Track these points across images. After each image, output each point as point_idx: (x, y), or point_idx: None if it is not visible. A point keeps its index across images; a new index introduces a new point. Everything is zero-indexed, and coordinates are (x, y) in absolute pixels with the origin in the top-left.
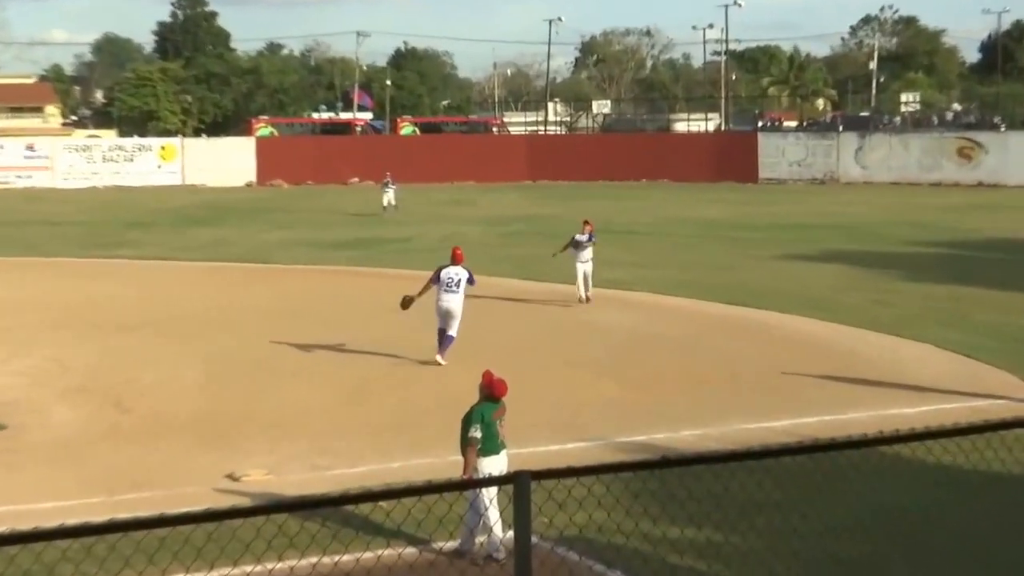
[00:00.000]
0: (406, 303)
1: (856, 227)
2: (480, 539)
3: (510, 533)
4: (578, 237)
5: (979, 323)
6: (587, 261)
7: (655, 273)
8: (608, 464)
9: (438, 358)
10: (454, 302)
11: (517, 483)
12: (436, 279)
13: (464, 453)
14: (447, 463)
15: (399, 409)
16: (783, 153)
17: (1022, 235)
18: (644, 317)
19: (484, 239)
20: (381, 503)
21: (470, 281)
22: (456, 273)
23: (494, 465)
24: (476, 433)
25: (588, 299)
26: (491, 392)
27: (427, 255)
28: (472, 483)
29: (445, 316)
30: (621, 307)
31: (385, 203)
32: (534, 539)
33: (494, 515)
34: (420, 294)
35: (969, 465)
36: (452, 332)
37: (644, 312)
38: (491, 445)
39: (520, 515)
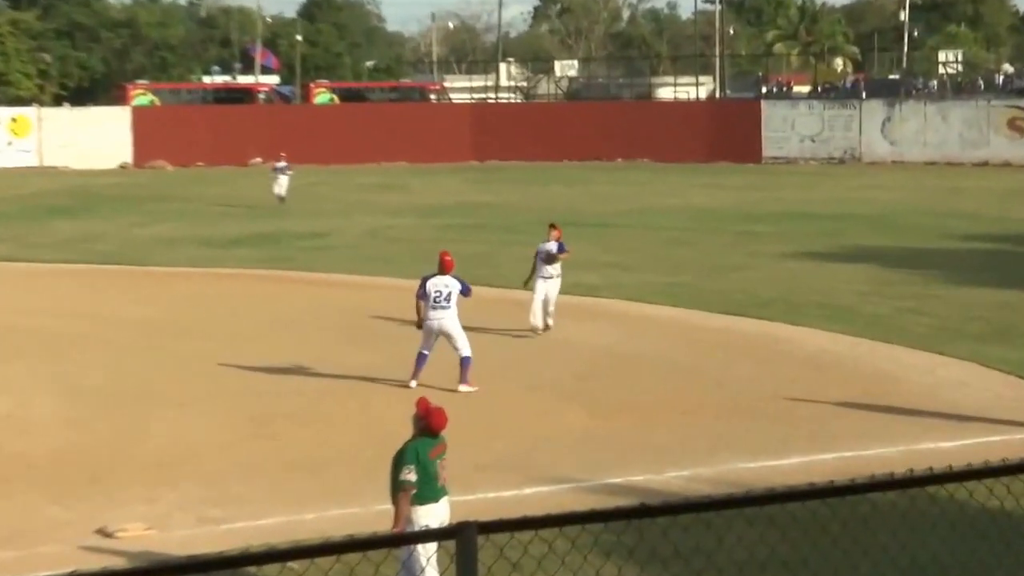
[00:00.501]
0: (421, 326)
1: (883, 217)
2: None
3: None
4: (544, 247)
5: None
6: (552, 277)
7: (635, 277)
8: (574, 514)
9: (412, 383)
10: (447, 320)
11: (461, 538)
12: (423, 293)
13: (395, 501)
14: (373, 513)
15: (314, 447)
16: (793, 126)
17: None
18: (621, 331)
19: (418, 233)
20: (291, 564)
21: (464, 292)
22: (445, 285)
23: (432, 516)
24: (410, 476)
25: (548, 327)
26: (427, 424)
27: (348, 254)
28: (405, 538)
29: (436, 336)
30: (592, 319)
31: (277, 192)
32: None
33: None
34: (419, 314)
35: (1020, 512)
36: (465, 352)
37: (621, 325)
38: (428, 491)
39: None
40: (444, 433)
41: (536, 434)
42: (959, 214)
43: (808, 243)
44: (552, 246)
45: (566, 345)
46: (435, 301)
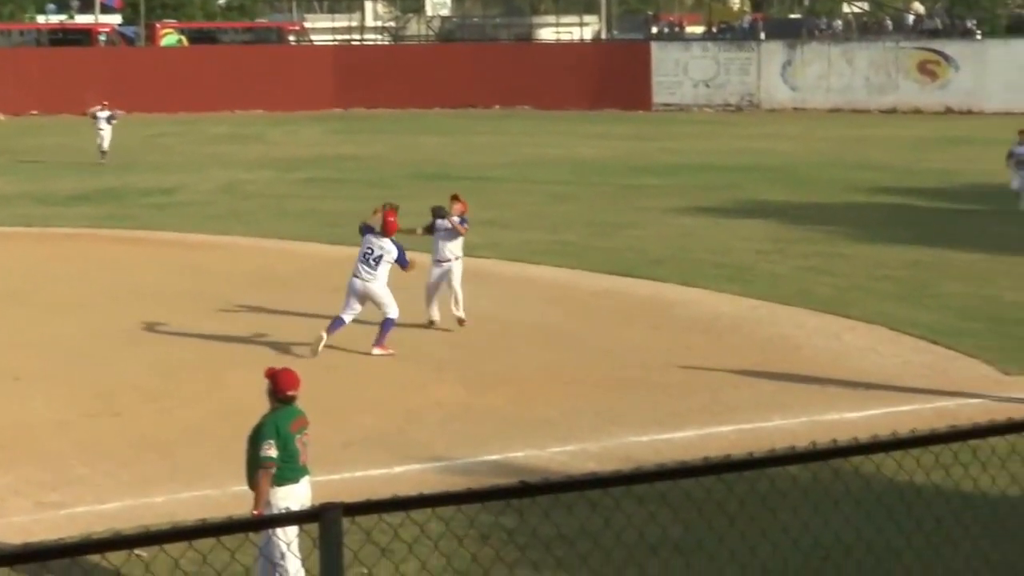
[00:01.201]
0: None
1: (784, 169)
2: None
3: None
4: (442, 222)
5: (945, 297)
6: (452, 260)
7: (515, 235)
8: (448, 494)
9: (323, 336)
10: (372, 285)
11: (324, 521)
12: (362, 230)
13: (254, 481)
14: (229, 495)
15: (163, 424)
16: (685, 70)
17: (999, 178)
18: (500, 294)
19: (276, 188)
20: (137, 551)
21: (400, 262)
22: (381, 247)
23: (293, 497)
24: (270, 452)
25: (462, 321)
26: (277, 388)
27: (198, 211)
28: (263, 522)
29: (358, 299)
30: (468, 281)
31: (99, 144)
32: None
33: (294, 565)
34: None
35: (931, 487)
36: (391, 314)
37: (500, 288)
38: (288, 470)
39: (329, 564)
40: (304, 407)
41: (407, 408)
42: (866, 165)
43: (703, 197)
44: (448, 223)
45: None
46: (363, 260)
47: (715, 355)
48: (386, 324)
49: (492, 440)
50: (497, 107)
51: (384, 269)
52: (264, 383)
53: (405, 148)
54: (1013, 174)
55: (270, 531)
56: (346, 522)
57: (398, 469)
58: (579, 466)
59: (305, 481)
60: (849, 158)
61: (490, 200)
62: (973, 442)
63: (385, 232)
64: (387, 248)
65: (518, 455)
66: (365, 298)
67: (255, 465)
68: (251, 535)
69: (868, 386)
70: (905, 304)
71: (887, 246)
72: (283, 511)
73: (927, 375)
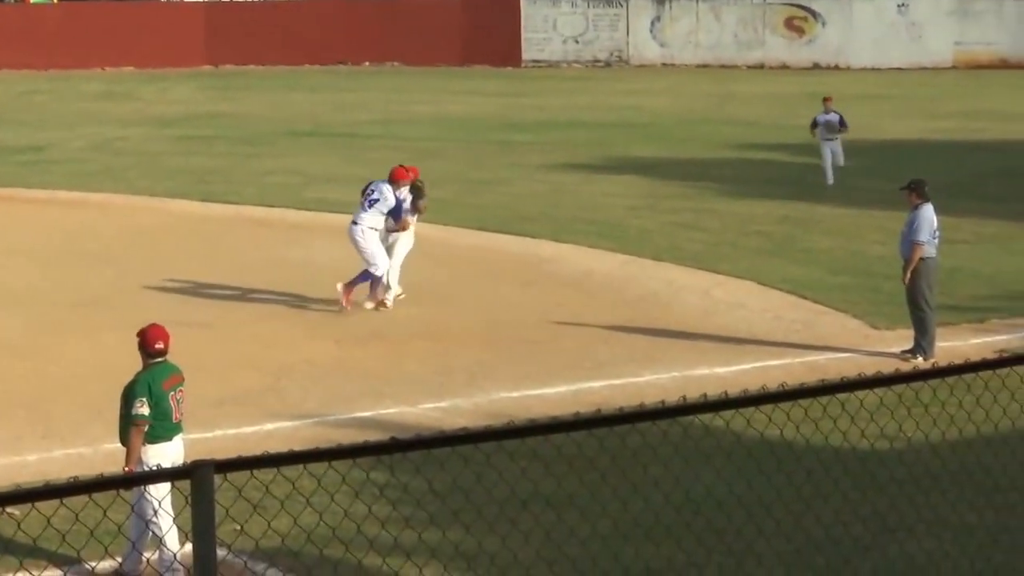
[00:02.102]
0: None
1: (654, 126)
2: (148, 555)
3: (188, 546)
4: (394, 193)
5: (814, 251)
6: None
7: None
8: (319, 450)
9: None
10: (356, 232)
11: (196, 478)
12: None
13: (126, 438)
14: (102, 454)
15: (34, 382)
16: (555, 26)
17: (868, 134)
18: None
19: (148, 146)
20: (9, 510)
21: (394, 214)
22: (380, 191)
23: (164, 455)
24: (142, 409)
25: (381, 305)
26: (145, 342)
27: (69, 168)
28: (134, 479)
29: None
30: (338, 237)
31: None
32: (221, 553)
33: (166, 523)
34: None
35: (802, 441)
36: (372, 269)
37: None
38: (161, 428)
39: (201, 521)
40: (172, 361)
41: (280, 365)
42: (734, 121)
43: (574, 154)
44: (397, 196)
45: (310, 267)
46: (362, 200)
47: (587, 311)
48: (363, 275)
49: (364, 397)
50: (367, 64)
51: (375, 216)
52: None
53: (277, 105)
54: (822, 145)
55: (142, 488)
56: (218, 479)
57: (270, 426)
58: (451, 422)
59: (178, 439)
60: (718, 114)
61: (359, 157)
62: (842, 396)
63: (391, 178)
64: (385, 194)
65: (390, 412)
66: (354, 245)
67: (127, 422)
68: (123, 493)
69: (738, 341)
70: (774, 259)
71: (756, 201)
72: (155, 468)
73: (797, 330)
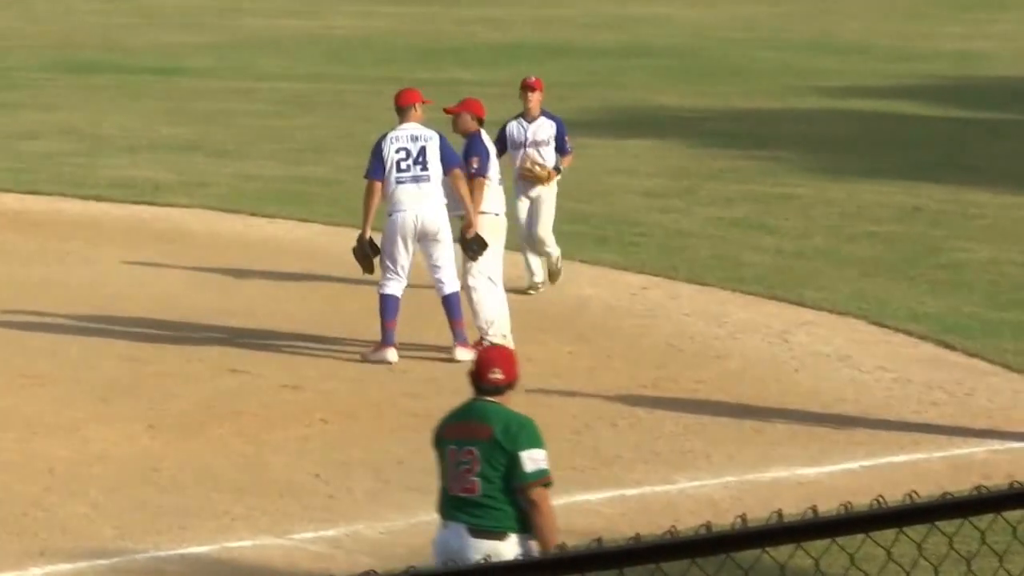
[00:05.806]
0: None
1: (687, 54)
2: None
3: None
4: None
5: (967, 268)
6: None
7: (229, 167)
8: None
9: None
10: (427, 208)
11: None
12: (377, 168)
13: None
14: None
15: None
16: None
17: None
18: (206, 271)
19: None
20: None
21: (451, 161)
22: (417, 138)
23: None
24: None
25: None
26: None
27: None
28: None
29: (416, 242)
30: (156, 243)
31: None
32: None
33: None
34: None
35: None
36: (453, 287)
37: (206, 258)
38: None
39: None
40: None
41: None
42: (826, 46)
43: (553, 104)
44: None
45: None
46: (400, 171)
47: (578, 370)
48: (453, 304)
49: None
50: None
51: (436, 172)
52: None
53: (42, 17)
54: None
55: None
56: None
57: None
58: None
59: None
60: (798, 33)
61: (186, 109)
62: (1015, 515)
63: (407, 115)
64: (428, 137)
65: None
66: (423, 237)
67: None
68: None
69: (837, 421)
70: (897, 282)
71: (867, 182)
72: None
73: (937, 401)
